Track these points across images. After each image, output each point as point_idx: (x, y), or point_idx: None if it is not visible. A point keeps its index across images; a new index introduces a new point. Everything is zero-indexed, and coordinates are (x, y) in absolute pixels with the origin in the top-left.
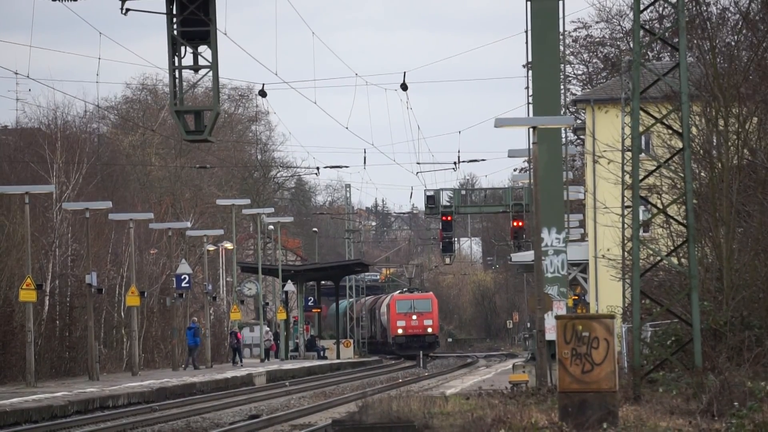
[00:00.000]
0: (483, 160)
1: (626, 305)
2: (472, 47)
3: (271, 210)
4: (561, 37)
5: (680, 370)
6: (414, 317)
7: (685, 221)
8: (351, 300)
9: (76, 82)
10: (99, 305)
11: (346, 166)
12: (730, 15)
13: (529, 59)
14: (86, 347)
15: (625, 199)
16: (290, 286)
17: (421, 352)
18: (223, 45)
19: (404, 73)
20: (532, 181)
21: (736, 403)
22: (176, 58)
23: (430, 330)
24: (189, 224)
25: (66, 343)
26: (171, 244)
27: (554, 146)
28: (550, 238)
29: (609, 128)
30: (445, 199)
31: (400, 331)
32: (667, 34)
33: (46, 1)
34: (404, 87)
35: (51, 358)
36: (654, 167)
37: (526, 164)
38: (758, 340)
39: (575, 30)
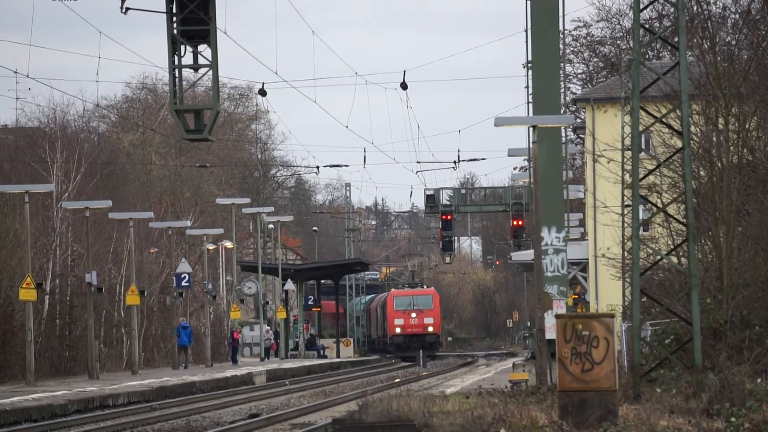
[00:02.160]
0: (483, 159)
1: (626, 304)
2: (472, 46)
3: (271, 209)
4: (561, 35)
5: (680, 369)
6: (413, 315)
7: (685, 220)
8: (370, 296)
9: (76, 81)
10: (99, 304)
11: (346, 165)
12: (730, 14)
13: (529, 58)
14: (86, 346)
15: (625, 198)
16: (290, 285)
17: (421, 351)
18: (222, 44)
19: (404, 72)
20: (531, 180)
21: (727, 404)
22: (176, 57)
23: (431, 329)
24: (189, 223)
25: (66, 342)
26: (171, 243)
27: (554, 145)
28: (550, 237)
29: (609, 127)
30: (445, 198)
31: (398, 330)
32: (666, 33)
33: (46, 0)
34: (404, 86)
35: (51, 357)
36: (654, 166)
37: (526, 163)
38: (758, 339)
39: (575, 29)
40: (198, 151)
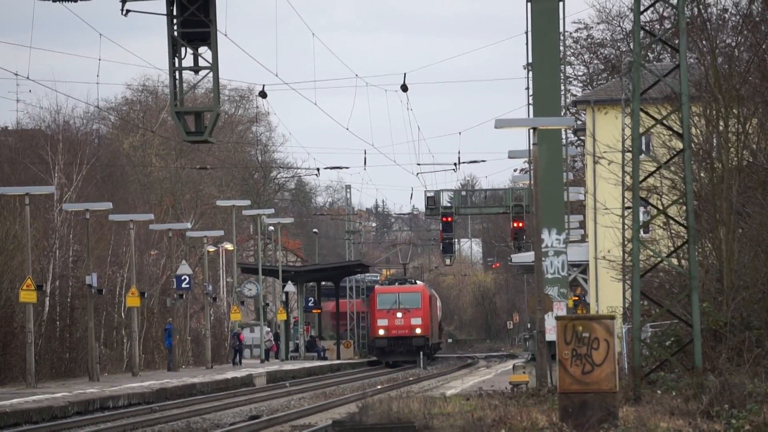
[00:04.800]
0: (483, 161)
1: (626, 306)
2: (473, 48)
3: (272, 211)
4: (561, 37)
5: (680, 371)
6: (399, 315)
7: (685, 222)
8: None
9: (77, 83)
10: (99, 306)
11: (347, 167)
12: (730, 16)
13: (530, 60)
14: (86, 348)
15: (626, 200)
16: (290, 287)
17: (421, 353)
18: (223, 46)
19: (404, 74)
20: (532, 182)
21: (726, 405)
22: (176, 59)
23: (418, 331)
24: (189, 225)
25: (66, 344)
26: (171, 245)
27: (554, 147)
28: (550, 239)
29: (609, 129)
30: (445, 200)
31: (381, 332)
32: (667, 35)
33: (47, 2)
34: (404, 88)
35: (51, 358)
36: (654, 168)
37: (527, 165)
38: (758, 341)
39: (576, 31)
40: (198, 153)
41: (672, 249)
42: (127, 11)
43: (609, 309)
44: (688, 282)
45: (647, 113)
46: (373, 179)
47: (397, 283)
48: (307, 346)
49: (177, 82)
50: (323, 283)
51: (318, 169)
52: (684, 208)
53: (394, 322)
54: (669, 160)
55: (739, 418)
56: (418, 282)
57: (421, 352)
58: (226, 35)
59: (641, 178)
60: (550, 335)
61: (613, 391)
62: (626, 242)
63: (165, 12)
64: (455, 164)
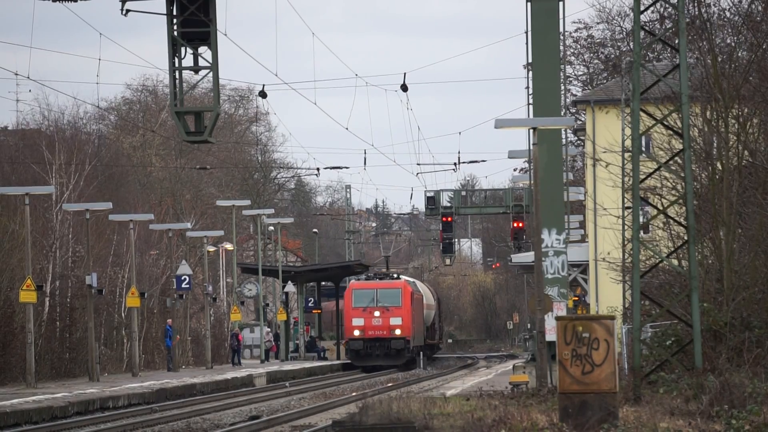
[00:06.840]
0: (483, 161)
1: (626, 306)
2: (473, 48)
3: (272, 211)
4: (561, 37)
5: (680, 371)
6: (376, 314)
7: (685, 222)
8: None
9: (77, 83)
10: (99, 306)
11: (347, 167)
12: (730, 16)
13: (530, 60)
14: (86, 348)
15: (625, 200)
16: (290, 287)
17: (421, 353)
18: (223, 46)
19: (404, 74)
20: (532, 182)
21: (726, 406)
22: (176, 59)
23: (398, 332)
24: (189, 225)
25: (66, 344)
26: (171, 245)
27: (554, 147)
28: (550, 239)
29: (609, 129)
30: (445, 200)
31: (356, 332)
32: (667, 35)
33: (47, 2)
34: (404, 88)
35: (51, 359)
36: (654, 168)
37: (527, 165)
38: (758, 341)
39: (576, 30)
40: (198, 153)
41: (672, 249)
42: (127, 11)
43: (609, 309)
44: (688, 282)
45: (647, 113)
46: (373, 179)
47: (376, 278)
48: (307, 347)
49: (177, 82)
50: (323, 283)
51: (318, 169)
52: (684, 208)
53: (371, 322)
54: (669, 160)
55: (739, 419)
56: (401, 277)
57: (421, 353)
58: (226, 35)
59: (641, 178)
60: (550, 335)
61: (613, 392)
62: (626, 242)
63: (165, 12)
64: (455, 164)
